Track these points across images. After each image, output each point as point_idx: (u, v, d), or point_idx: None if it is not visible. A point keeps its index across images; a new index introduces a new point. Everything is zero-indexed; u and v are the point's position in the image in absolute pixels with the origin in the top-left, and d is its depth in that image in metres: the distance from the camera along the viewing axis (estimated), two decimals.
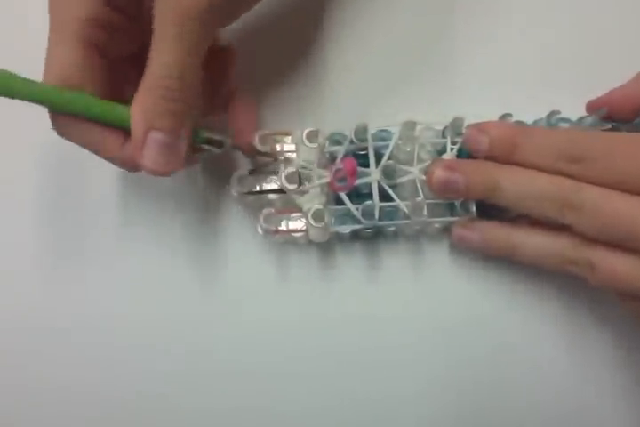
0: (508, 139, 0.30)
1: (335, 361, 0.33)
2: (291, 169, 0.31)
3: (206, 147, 0.30)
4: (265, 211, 0.31)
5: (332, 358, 0.33)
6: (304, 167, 0.32)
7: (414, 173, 0.32)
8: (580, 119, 0.32)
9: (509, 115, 0.33)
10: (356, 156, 0.32)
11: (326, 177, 0.31)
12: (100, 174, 0.35)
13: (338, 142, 0.33)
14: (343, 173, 0.31)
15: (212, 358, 0.33)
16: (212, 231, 0.34)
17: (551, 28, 0.36)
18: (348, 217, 0.32)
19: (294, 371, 0.33)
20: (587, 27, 0.36)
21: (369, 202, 0.31)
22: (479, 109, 0.33)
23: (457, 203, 0.32)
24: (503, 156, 0.30)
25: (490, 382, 0.33)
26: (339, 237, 0.34)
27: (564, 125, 0.33)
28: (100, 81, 0.29)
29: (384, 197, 0.32)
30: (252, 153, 0.32)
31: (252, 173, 0.32)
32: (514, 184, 0.29)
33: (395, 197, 0.31)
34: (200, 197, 0.34)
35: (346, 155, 0.32)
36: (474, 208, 0.32)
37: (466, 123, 0.32)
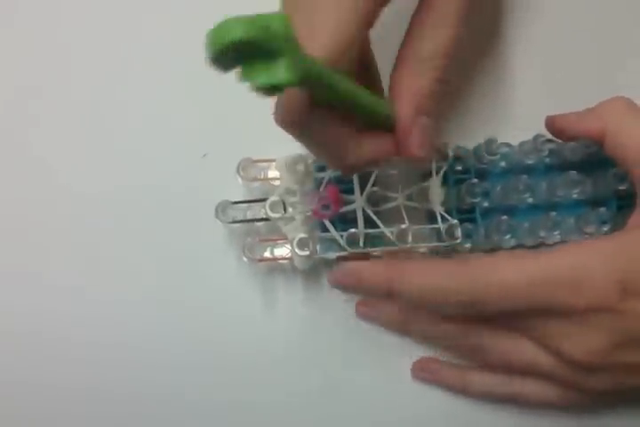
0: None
1: (322, 386, 0.33)
2: (274, 198, 0.31)
3: None
4: (248, 240, 0.31)
5: (318, 384, 0.33)
6: (288, 195, 0.32)
7: (399, 199, 0.32)
8: (521, 144, 0.32)
9: (446, 144, 0.32)
10: (341, 181, 0.32)
11: (310, 205, 0.31)
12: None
13: (323, 168, 0.33)
14: (327, 201, 0.31)
15: (196, 384, 0.33)
16: (198, 257, 0.34)
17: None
18: (333, 243, 0.32)
19: (285, 396, 0.33)
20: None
21: (353, 229, 0.31)
22: (464, 134, 0.33)
23: (442, 229, 0.32)
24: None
25: None
26: (325, 262, 0.34)
27: (505, 150, 0.32)
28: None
29: (369, 222, 0.32)
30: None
31: (236, 202, 0.32)
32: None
33: (380, 224, 0.31)
34: (187, 224, 0.34)
35: (330, 181, 0.32)
36: (459, 233, 0.32)
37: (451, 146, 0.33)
